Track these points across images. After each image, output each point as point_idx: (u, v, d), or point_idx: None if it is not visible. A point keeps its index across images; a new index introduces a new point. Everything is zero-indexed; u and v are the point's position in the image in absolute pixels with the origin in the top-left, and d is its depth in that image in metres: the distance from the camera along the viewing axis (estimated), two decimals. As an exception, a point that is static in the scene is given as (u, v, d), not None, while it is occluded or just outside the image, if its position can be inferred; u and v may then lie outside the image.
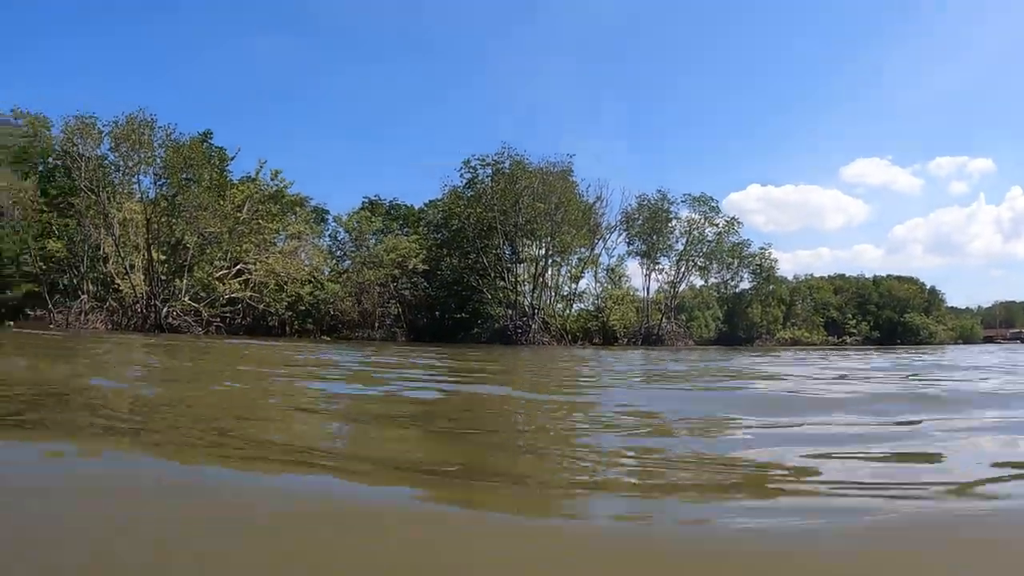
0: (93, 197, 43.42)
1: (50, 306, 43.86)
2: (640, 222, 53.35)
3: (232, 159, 47.70)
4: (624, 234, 54.01)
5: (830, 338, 64.76)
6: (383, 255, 47.72)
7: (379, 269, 47.44)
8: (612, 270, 55.46)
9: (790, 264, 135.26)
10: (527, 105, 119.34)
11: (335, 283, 47.49)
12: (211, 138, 47.55)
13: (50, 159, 47.79)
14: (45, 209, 45.39)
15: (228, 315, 44.74)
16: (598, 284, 54.87)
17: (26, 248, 44.73)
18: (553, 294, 51.14)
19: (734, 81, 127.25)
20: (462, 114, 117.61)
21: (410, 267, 47.92)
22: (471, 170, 49.32)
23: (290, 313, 46.50)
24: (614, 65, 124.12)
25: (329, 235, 51.99)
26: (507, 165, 48.30)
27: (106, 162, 44.68)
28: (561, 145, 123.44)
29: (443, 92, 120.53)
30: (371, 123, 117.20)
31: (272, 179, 46.88)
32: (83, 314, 43.24)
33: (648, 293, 54.87)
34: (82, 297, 43.83)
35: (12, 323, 42.28)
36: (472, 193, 49.02)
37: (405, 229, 52.61)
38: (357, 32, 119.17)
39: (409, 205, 55.47)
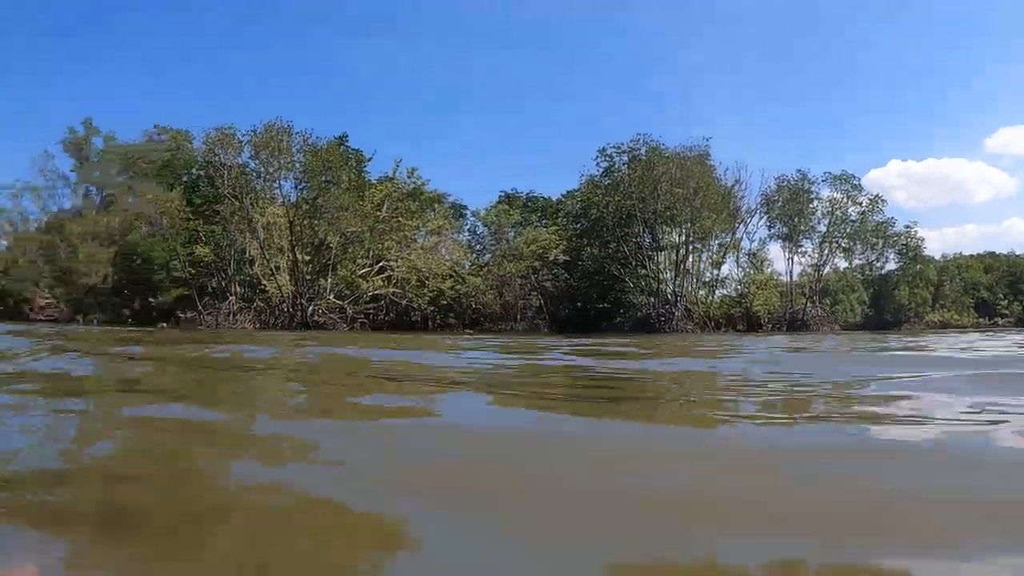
0: (237, 203, 45.37)
1: (200, 308, 46.26)
2: (780, 204, 52.59)
3: (369, 160, 49.28)
4: (765, 217, 53.30)
5: (980, 320, 62.47)
6: (523, 247, 48.48)
7: (519, 261, 48.21)
8: (754, 254, 54.86)
9: (936, 243, 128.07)
10: (653, 93, 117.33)
11: (476, 277, 48.58)
12: (347, 141, 49.23)
13: (193, 170, 50.55)
14: (191, 217, 47.85)
15: (372, 311, 45.99)
16: (740, 269, 54.36)
17: (175, 254, 47.30)
18: (695, 281, 51.01)
19: (867, 54, 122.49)
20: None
21: (550, 258, 48.47)
22: (607, 158, 49.56)
23: (432, 308, 47.68)
24: (741, 47, 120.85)
25: (468, 230, 53.69)
26: (643, 152, 48.35)
27: (247, 169, 46.66)
28: (696, 129, 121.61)
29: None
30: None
31: (408, 177, 48.42)
32: (232, 315, 45.27)
33: (791, 277, 53.90)
34: (230, 298, 46.01)
35: (165, 324, 44.79)
36: (609, 181, 49.12)
37: (544, 221, 53.19)
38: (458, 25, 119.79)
39: (547, 197, 56.34)
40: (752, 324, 50.82)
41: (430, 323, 48.19)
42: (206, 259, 46.94)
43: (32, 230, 52.85)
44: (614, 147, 49.58)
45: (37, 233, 52.54)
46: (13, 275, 52.09)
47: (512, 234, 50.98)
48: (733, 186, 50.81)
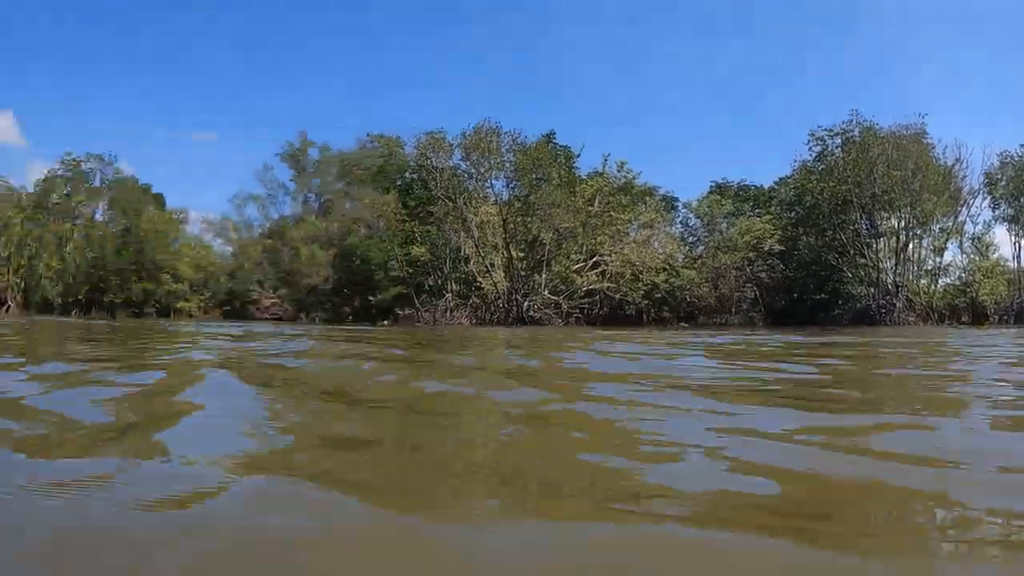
0: (450, 204, 47.87)
1: (417, 305, 49.26)
2: (1004, 183, 50.75)
3: (578, 156, 51.07)
4: (988, 198, 51.54)
5: None
6: (737, 238, 49.22)
7: (734, 253, 48.92)
8: (978, 239, 53.26)
9: None
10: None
11: (690, 269, 49.68)
12: (554, 138, 51.24)
13: (406, 173, 54.08)
14: (407, 219, 51.14)
15: (586, 306, 47.66)
16: (964, 256, 52.92)
17: (392, 255, 50.72)
18: (915, 269, 50.28)
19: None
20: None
21: (765, 248, 48.88)
22: (819, 142, 49.21)
23: (646, 301, 49.08)
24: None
25: (680, 222, 54.88)
26: (856, 133, 47.80)
27: (459, 171, 48.97)
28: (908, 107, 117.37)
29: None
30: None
31: (618, 171, 50.08)
32: (448, 311, 47.72)
33: (1019, 263, 51.63)
34: (447, 295, 48.58)
35: (385, 322, 48.18)
36: (823, 166, 48.77)
37: (757, 210, 53.58)
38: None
39: (758, 185, 56.76)
40: (977, 315, 49.36)
41: (644, 317, 49.54)
42: (422, 258, 49.87)
43: (256, 236, 58.27)
44: (826, 130, 49.15)
45: (260, 238, 57.84)
46: (239, 277, 57.50)
47: (725, 225, 51.66)
48: (953, 165, 49.42)
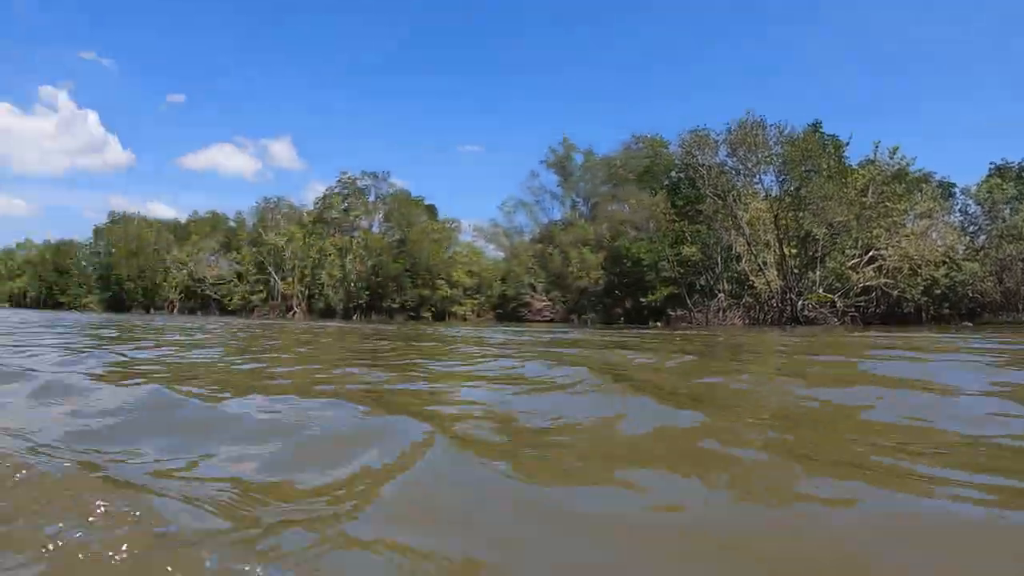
0: (719, 202, 50.09)
1: (689, 305, 52.52)
2: None
3: (846, 145, 51.68)
4: None
5: None
6: (1022, 225, 47.99)
7: (1019, 242, 47.76)
8: None
9: None
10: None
11: (972, 262, 48.94)
12: (820, 127, 52.34)
13: (672, 172, 57.86)
14: (676, 218, 54.24)
15: (862, 304, 47.94)
16: None
17: (663, 255, 54.03)
18: None
19: None
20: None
21: (1055, 235, 47.17)
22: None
23: (925, 298, 48.86)
24: None
25: (959, 210, 53.66)
26: None
27: (726, 167, 50.81)
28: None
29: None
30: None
31: (891, 157, 50.51)
32: (721, 311, 50.37)
33: None
34: (719, 295, 51.15)
35: (658, 323, 51.70)
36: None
37: None
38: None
39: None
40: None
41: (923, 315, 49.44)
42: (693, 258, 52.50)
43: (526, 241, 64.56)
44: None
45: (530, 243, 63.97)
46: (511, 281, 63.92)
47: (1008, 211, 50.37)
48: None
